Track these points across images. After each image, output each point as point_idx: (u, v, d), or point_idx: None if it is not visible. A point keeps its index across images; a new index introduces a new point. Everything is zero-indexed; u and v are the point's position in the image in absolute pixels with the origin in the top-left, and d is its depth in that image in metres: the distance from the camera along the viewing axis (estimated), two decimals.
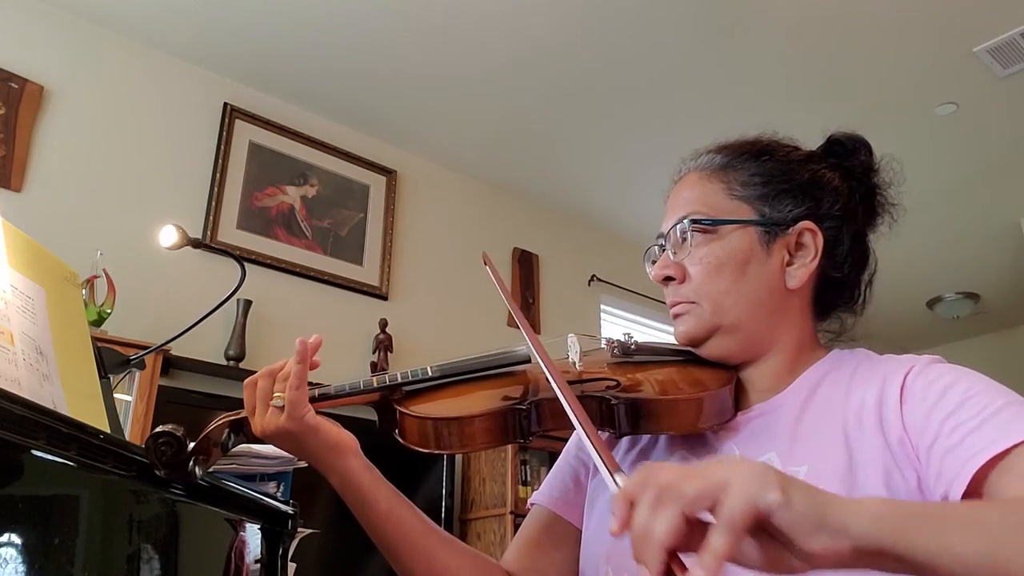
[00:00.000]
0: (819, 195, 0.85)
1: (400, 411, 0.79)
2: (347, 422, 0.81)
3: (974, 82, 3.15)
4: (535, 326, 3.86)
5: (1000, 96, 3.23)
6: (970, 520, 0.51)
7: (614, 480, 0.53)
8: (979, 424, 0.64)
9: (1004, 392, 0.68)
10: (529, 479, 3.12)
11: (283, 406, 0.75)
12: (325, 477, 0.80)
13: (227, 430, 0.78)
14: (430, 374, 0.84)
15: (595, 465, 0.92)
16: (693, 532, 0.48)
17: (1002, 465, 0.61)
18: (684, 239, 0.85)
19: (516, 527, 2.92)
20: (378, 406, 0.82)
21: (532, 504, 0.95)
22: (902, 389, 0.72)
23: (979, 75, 3.11)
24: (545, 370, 0.74)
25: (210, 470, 0.77)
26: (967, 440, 0.64)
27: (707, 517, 0.48)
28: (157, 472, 0.68)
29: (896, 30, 2.89)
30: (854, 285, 0.88)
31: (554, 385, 0.72)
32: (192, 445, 0.71)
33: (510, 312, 3.77)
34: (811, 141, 0.93)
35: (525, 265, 3.94)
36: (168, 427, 0.69)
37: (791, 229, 0.83)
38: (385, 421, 0.82)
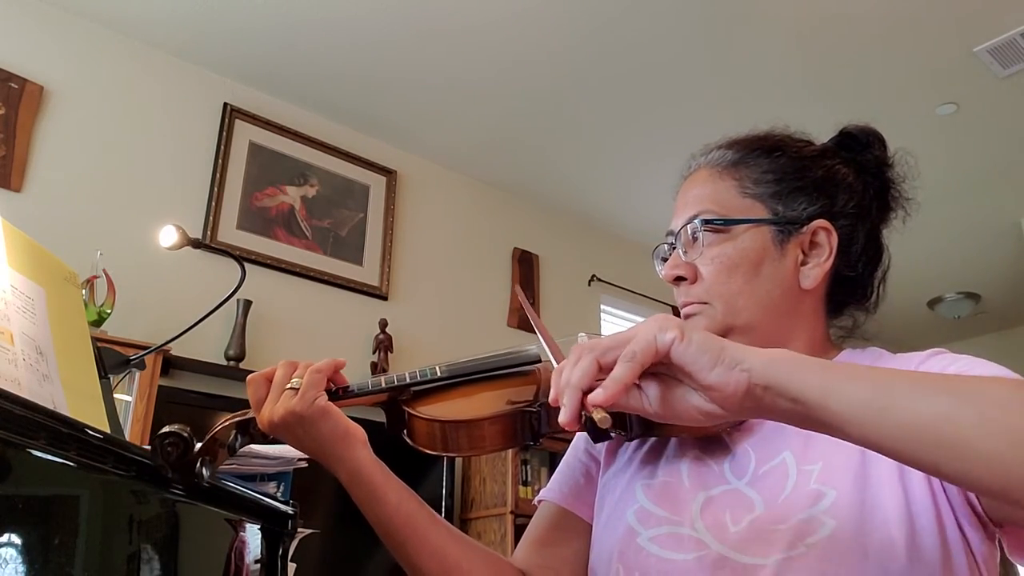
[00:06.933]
0: (834, 193, 0.84)
1: (408, 412, 0.78)
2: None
3: (974, 82, 3.15)
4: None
5: (1000, 96, 3.23)
6: (863, 372, 0.54)
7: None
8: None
9: (1004, 369, 0.68)
10: (529, 479, 3.12)
11: (298, 388, 0.75)
12: (332, 471, 0.79)
13: (234, 431, 0.77)
14: (439, 374, 0.82)
15: (603, 461, 0.90)
16: None
17: None
18: (696, 239, 0.83)
19: (516, 526, 2.93)
20: (386, 407, 0.82)
21: (540, 501, 0.93)
22: None
23: (979, 75, 3.11)
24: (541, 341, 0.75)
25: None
26: None
27: None
28: (165, 474, 0.67)
29: (896, 30, 2.89)
30: (867, 283, 0.87)
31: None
32: (199, 446, 0.70)
33: (510, 312, 3.77)
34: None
35: (525, 265, 3.94)
36: (175, 427, 0.68)
37: (805, 228, 0.82)
38: (393, 422, 0.81)
